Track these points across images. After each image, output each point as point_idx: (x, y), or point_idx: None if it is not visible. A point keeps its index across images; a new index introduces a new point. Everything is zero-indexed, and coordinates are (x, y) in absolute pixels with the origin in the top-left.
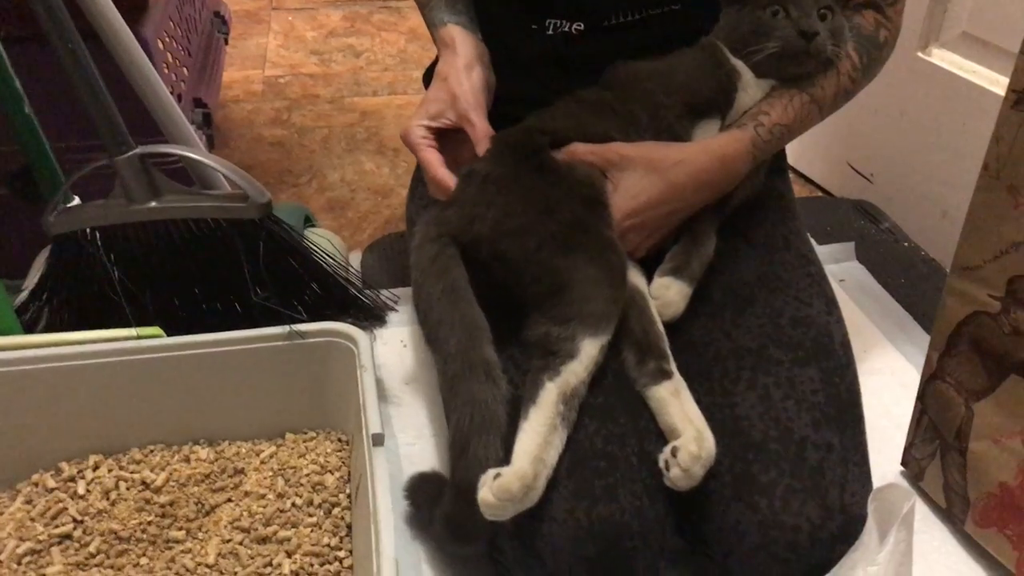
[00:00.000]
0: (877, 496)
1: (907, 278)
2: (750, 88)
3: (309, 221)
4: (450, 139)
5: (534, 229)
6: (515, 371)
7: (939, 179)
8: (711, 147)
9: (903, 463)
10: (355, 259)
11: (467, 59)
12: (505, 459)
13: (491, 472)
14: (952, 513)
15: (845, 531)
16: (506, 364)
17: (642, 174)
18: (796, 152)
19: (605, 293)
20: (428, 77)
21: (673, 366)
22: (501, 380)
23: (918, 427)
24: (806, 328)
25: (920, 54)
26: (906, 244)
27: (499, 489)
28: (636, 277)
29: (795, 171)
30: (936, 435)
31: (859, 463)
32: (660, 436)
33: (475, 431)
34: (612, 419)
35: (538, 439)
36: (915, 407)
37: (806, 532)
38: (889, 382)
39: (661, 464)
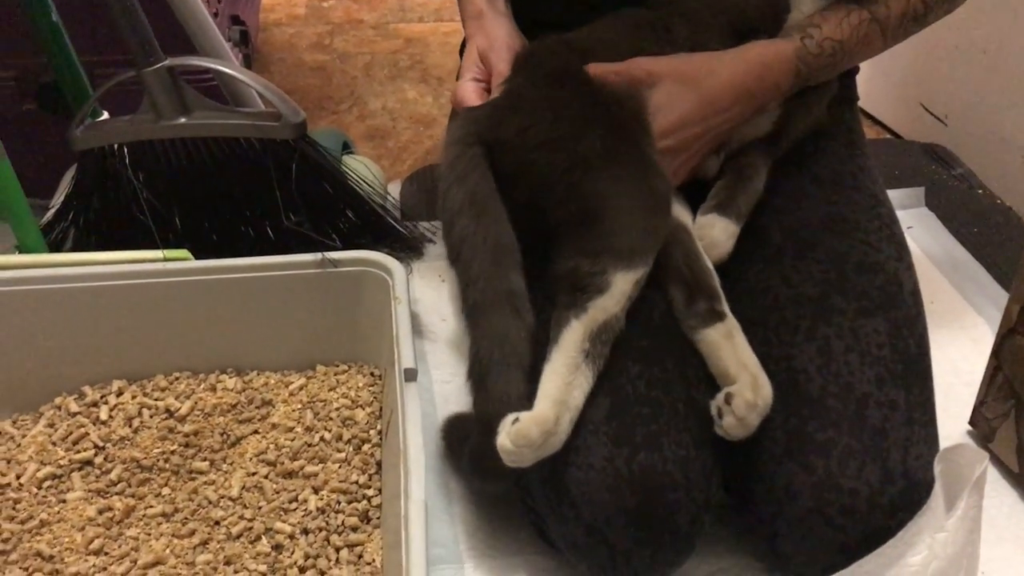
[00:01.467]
0: (945, 457)
1: (980, 227)
2: (804, 7)
3: (347, 147)
4: None
5: (565, 146)
6: (544, 301)
7: (1022, 123)
8: (749, 54)
9: (971, 423)
10: (394, 190)
11: (498, 19)
12: (528, 394)
13: (509, 417)
14: None
15: (906, 497)
16: (536, 294)
17: (673, 88)
18: (863, 90)
19: (641, 224)
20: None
21: (725, 306)
22: (527, 312)
23: (991, 385)
24: (873, 275)
25: None
26: (980, 191)
27: (517, 435)
28: (680, 212)
29: (861, 111)
30: (1011, 394)
31: (925, 424)
32: (710, 383)
33: (494, 364)
34: (657, 363)
35: (559, 381)
36: (989, 363)
37: (864, 497)
38: (958, 336)
39: (713, 412)
